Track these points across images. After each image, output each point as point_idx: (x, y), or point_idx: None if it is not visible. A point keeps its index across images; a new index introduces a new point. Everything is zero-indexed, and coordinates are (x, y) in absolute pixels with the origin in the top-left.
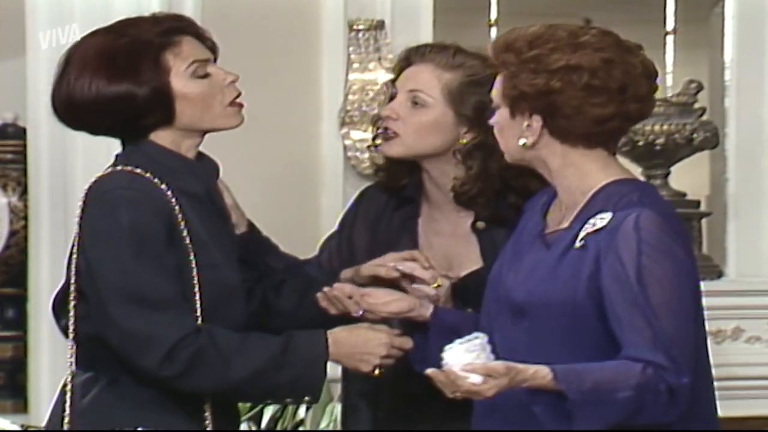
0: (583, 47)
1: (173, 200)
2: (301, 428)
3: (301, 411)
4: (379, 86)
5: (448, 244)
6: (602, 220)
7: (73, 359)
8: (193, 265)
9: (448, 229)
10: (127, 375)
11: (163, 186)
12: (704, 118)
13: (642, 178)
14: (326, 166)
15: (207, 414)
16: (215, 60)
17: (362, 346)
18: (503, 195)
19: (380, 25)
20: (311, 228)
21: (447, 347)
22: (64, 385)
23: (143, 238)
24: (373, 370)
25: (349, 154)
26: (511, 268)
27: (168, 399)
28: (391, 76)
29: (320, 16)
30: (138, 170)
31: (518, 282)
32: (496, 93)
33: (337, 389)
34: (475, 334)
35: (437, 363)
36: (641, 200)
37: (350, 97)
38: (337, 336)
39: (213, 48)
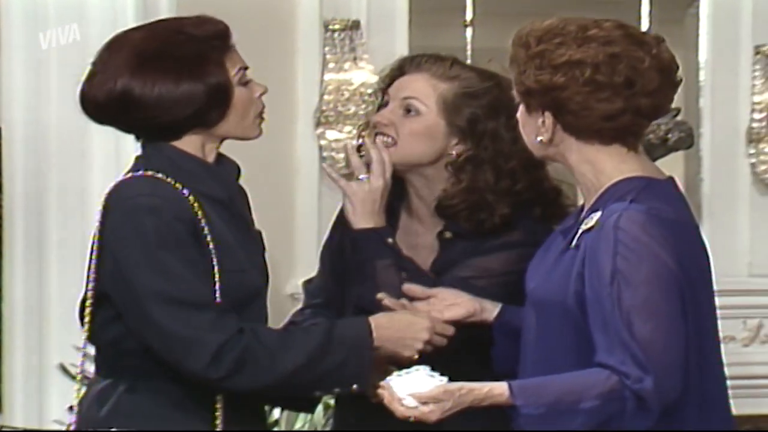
0: (589, 41)
1: (194, 204)
2: (275, 429)
3: (276, 411)
4: (354, 86)
5: (424, 255)
6: (592, 219)
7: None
8: (216, 270)
9: (426, 241)
10: (145, 380)
11: (185, 191)
12: (679, 118)
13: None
14: (301, 166)
15: (218, 413)
16: None
17: (405, 330)
18: (494, 206)
19: (356, 26)
20: (286, 227)
21: (395, 376)
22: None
23: (171, 242)
24: (413, 355)
25: (325, 154)
26: (538, 260)
27: (184, 402)
28: (367, 75)
29: (295, 16)
30: (159, 175)
31: (535, 274)
32: (515, 90)
33: None
34: (415, 367)
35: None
36: (634, 198)
37: (325, 97)
38: (379, 321)
39: None
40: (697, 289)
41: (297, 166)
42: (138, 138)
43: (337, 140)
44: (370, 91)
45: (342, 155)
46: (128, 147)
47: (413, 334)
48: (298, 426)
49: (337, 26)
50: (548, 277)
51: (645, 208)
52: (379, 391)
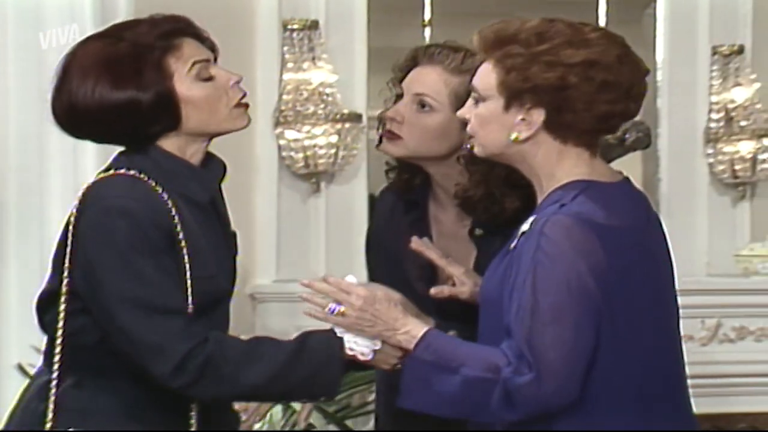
0: (593, 42)
1: (172, 208)
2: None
3: None
4: (313, 86)
5: (449, 245)
6: (528, 223)
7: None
8: (188, 275)
9: (450, 230)
10: (93, 377)
11: (164, 193)
12: (636, 118)
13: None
14: (260, 165)
15: (193, 414)
16: (215, 60)
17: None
18: (502, 199)
19: (314, 25)
20: (246, 227)
21: None
22: (37, 385)
23: (144, 246)
24: (393, 367)
25: (284, 153)
26: (494, 262)
27: (155, 400)
28: (326, 75)
29: (254, 15)
30: (140, 175)
31: (487, 275)
32: (485, 84)
33: None
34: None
35: None
36: (566, 203)
37: (284, 96)
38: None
39: (213, 47)
40: (620, 295)
41: (256, 166)
42: (127, 147)
43: (296, 140)
44: (328, 90)
45: (301, 155)
46: (87, 146)
47: (381, 362)
48: (257, 426)
49: (296, 26)
50: (491, 278)
51: (574, 212)
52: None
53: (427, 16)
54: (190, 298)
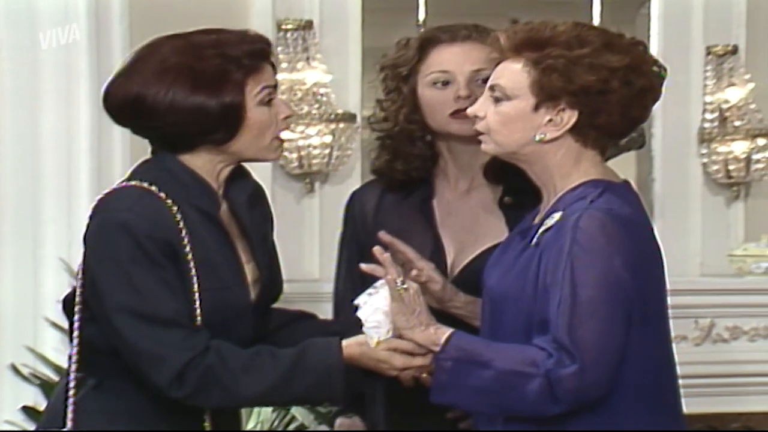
0: (629, 49)
1: (180, 221)
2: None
3: None
4: (307, 86)
5: (466, 222)
6: (553, 219)
7: (74, 363)
8: (196, 288)
9: (466, 207)
10: (111, 380)
11: (174, 206)
12: None
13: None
14: (254, 166)
15: (206, 416)
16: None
17: (375, 367)
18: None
19: (309, 25)
20: None
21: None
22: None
23: (142, 259)
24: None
25: None
26: (498, 258)
27: (173, 401)
28: (320, 75)
29: (249, 15)
30: (152, 187)
31: (493, 272)
32: (514, 83)
33: None
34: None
35: None
36: (593, 200)
37: (279, 96)
38: (352, 352)
39: (275, 74)
40: (646, 290)
41: (250, 166)
42: (152, 144)
43: (290, 140)
44: (323, 90)
45: (295, 155)
46: (81, 147)
47: (384, 371)
48: (250, 426)
49: (290, 26)
50: (507, 274)
51: (605, 208)
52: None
53: (422, 16)
54: (198, 310)
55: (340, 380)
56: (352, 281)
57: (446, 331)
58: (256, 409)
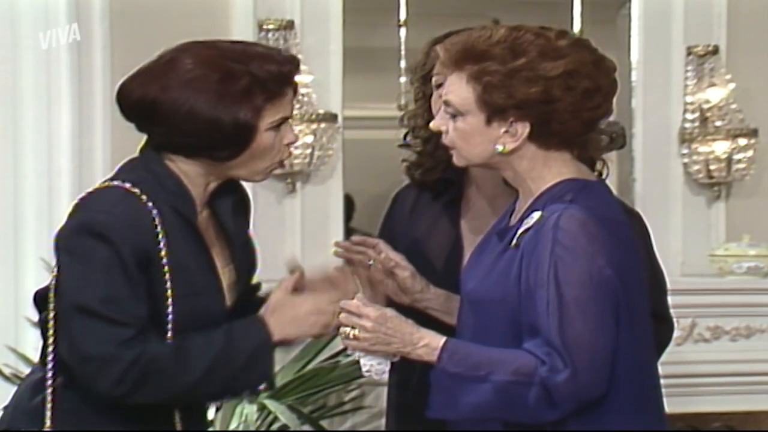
0: (568, 51)
1: (158, 224)
2: (210, 429)
3: (210, 412)
4: None
5: (489, 224)
6: (532, 219)
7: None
8: (169, 293)
9: (489, 211)
10: None
11: (154, 208)
12: (611, 118)
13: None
14: None
15: (176, 415)
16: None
17: (302, 305)
18: None
19: (290, 25)
20: None
21: None
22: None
23: (115, 261)
24: (337, 329)
25: None
26: (473, 260)
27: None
28: (301, 75)
29: (230, 15)
30: (134, 189)
31: (472, 274)
32: (462, 100)
33: None
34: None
35: None
36: (573, 199)
37: None
38: (269, 310)
39: (295, 97)
40: (630, 288)
41: None
42: (151, 143)
43: None
44: (304, 90)
45: None
46: (62, 147)
47: (319, 306)
48: (233, 426)
49: (271, 26)
50: (487, 276)
51: (584, 207)
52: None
53: (403, 16)
54: (170, 315)
55: (270, 354)
56: None
57: (439, 340)
58: (238, 409)
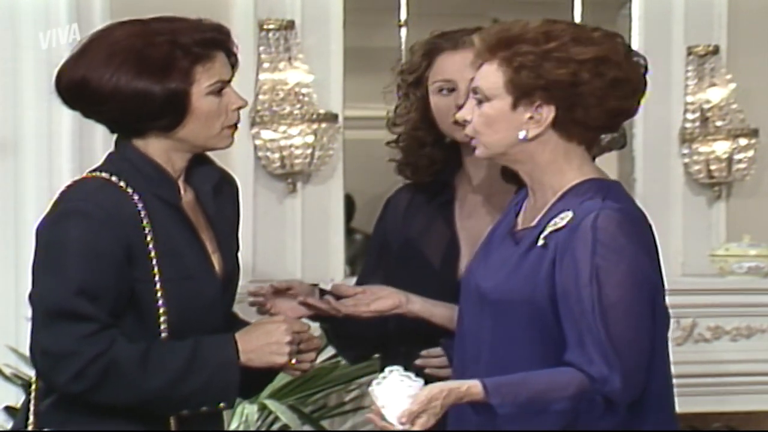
0: (600, 40)
1: (142, 211)
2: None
3: None
4: (289, 86)
5: (483, 225)
6: (563, 219)
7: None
8: (157, 278)
9: (484, 210)
10: None
11: (135, 194)
12: None
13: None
14: (236, 165)
15: (172, 420)
16: (233, 71)
17: (266, 336)
18: None
19: (290, 25)
20: None
21: (374, 384)
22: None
23: (93, 249)
24: (290, 361)
25: (260, 154)
26: (482, 261)
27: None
28: (302, 75)
29: (230, 15)
30: (113, 178)
31: (487, 275)
32: (490, 84)
33: None
34: (387, 369)
35: None
36: (604, 200)
37: (260, 96)
38: (242, 335)
39: (234, 64)
40: (659, 286)
41: (232, 166)
42: (112, 132)
43: (272, 140)
44: (304, 90)
45: (277, 155)
46: (63, 148)
47: (277, 338)
48: (233, 426)
49: (271, 26)
50: (511, 276)
51: (618, 207)
52: (370, 417)
53: (403, 16)
54: (161, 302)
55: (235, 376)
56: (373, 281)
57: (476, 382)
58: (239, 409)
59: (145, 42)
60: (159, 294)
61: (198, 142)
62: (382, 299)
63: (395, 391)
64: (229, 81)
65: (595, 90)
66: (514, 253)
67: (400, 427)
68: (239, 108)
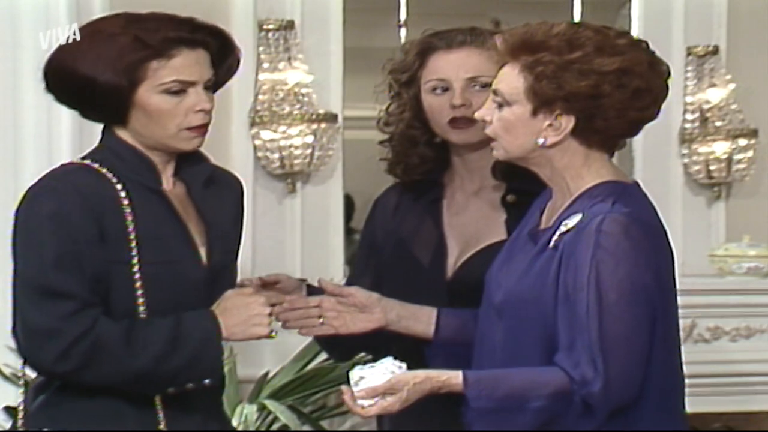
0: (624, 50)
1: (121, 192)
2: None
3: None
4: (289, 86)
5: (471, 222)
6: (572, 220)
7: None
8: (135, 261)
9: (473, 207)
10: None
11: (115, 180)
12: None
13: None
14: (236, 166)
15: (160, 416)
16: (216, 77)
17: (246, 309)
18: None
19: (290, 25)
20: None
21: (356, 372)
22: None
23: (59, 229)
24: (270, 332)
25: (259, 154)
26: (503, 265)
27: (120, 404)
28: (302, 75)
29: (230, 15)
30: (94, 165)
31: (505, 275)
32: (511, 89)
33: (248, 390)
34: (381, 360)
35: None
36: (614, 203)
37: (260, 97)
38: (221, 310)
39: (233, 66)
40: (666, 291)
41: (232, 166)
42: (87, 119)
43: (271, 140)
44: (304, 90)
45: (276, 155)
46: (62, 146)
47: (257, 311)
48: (232, 424)
49: (271, 26)
50: (523, 277)
51: (626, 212)
52: (343, 397)
53: (403, 16)
54: (138, 283)
55: (218, 351)
56: (363, 282)
57: (456, 374)
58: (238, 409)
59: (113, 32)
60: (137, 276)
61: (154, 139)
62: (366, 321)
63: (370, 372)
64: (196, 84)
65: (616, 102)
66: (529, 254)
67: (358, 407)
68: (202, 110)
